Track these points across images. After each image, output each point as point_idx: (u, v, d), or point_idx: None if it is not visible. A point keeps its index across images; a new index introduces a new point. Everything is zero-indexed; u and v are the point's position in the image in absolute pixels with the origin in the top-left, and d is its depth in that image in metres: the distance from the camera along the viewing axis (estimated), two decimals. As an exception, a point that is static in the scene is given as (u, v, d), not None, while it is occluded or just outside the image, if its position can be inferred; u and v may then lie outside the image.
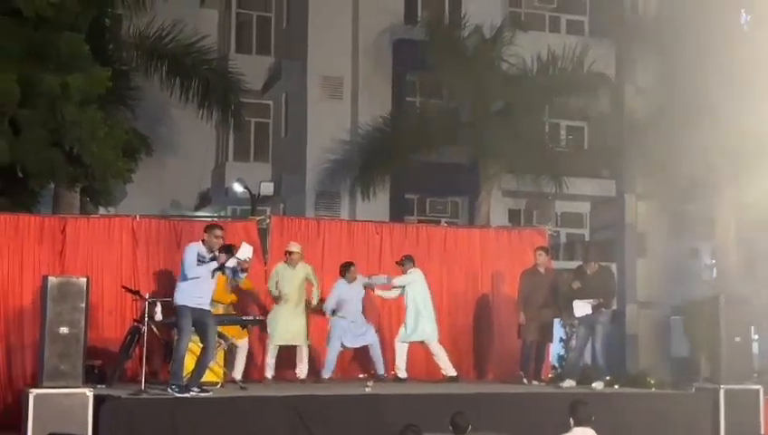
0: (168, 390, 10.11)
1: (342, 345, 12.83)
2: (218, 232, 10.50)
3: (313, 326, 12.89)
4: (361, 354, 13.31)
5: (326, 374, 12.71)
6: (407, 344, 13.18)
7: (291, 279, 12.60)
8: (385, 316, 13.94)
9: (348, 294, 12.81)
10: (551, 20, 26.25)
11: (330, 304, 12.75)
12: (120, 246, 12.64)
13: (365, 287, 13.08)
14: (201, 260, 10.28)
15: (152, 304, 10.96)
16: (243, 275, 10.87)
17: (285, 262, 12.71)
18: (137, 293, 11.46)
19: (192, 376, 10.38)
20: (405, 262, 13.26)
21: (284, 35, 25.48)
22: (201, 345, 10.52)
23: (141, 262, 12.64)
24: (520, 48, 21.53)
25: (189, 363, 10.62)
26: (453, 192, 24.14)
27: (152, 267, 12.66)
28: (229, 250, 10.46)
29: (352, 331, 12.82)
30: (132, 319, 11.77)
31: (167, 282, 12.44)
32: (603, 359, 12.63)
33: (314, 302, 12.80)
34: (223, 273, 10.61)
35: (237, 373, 11.95)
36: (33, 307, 11.39)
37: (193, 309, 10.31)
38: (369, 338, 12.98)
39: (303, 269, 12.74)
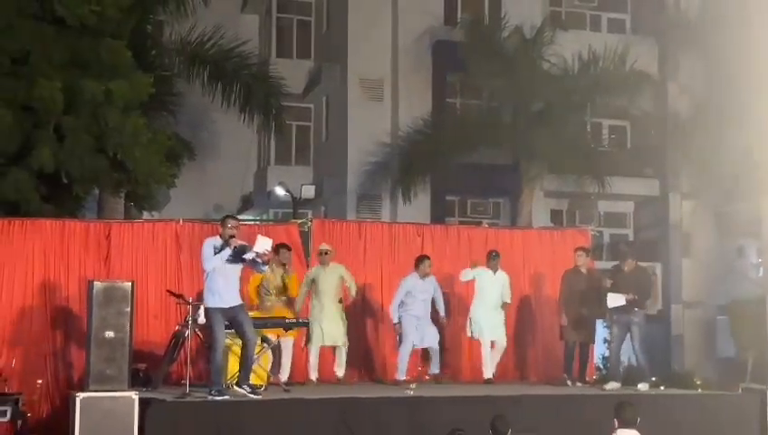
0: (208, 397, 10.02)
1: (413, 345, 12.70)
2: (231, 222, 10.40)
3: (353, 326, 12.89)
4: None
5: (400, 376, 12.57)
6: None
7: (325, 279, 12.62)
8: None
9: (418, 288, 12.71)
10: (591, 18, 26.03)
11: (395, 305, 12.70)
12: (163, 250, 12.76)
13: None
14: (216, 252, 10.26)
15: (196, 308, 11.02)
16: (265, 268, 10.78)
17: (320, 263, 12.74)
18: (180, 296, 11.53)
19: (240, 375, 10.34)
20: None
21: (324, 39, 25.57)
22: (240, 344, 10.48)
23: (185, 266, 12.73)
24: (560, 47, 21.41)
25: (234, 365, 10.67)
26: (494, 193, 24.04)
27: (196, 271, 12.66)
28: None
29: (420, 329, 12.69)
30: (176, 323, 11.86)
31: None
32: (645, 360, 12.51)
33: (352, 295, 12.82)
34: (244, 263, 10.48)
35: (284, 375, 11.99)
36: (79, 312, 11.54)
37: (223, 309, 10.23)
38: (430, 340, 12.82)
39: (336, 269, 12.76)
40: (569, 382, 12.91)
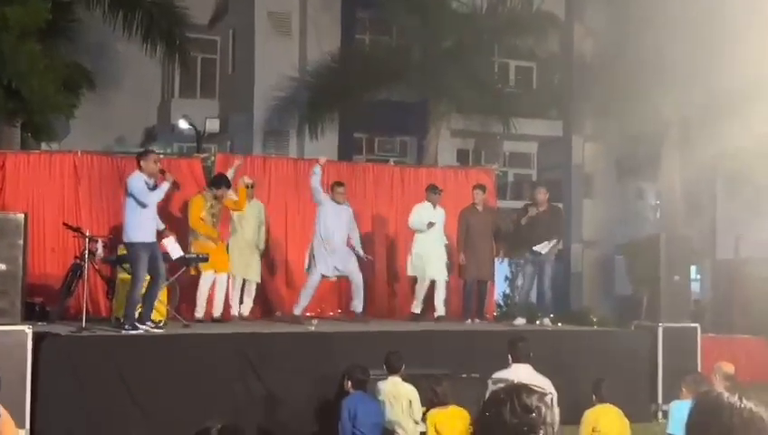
0: (122, 331, 9.87)
1: (321, 275, 12.19)
2: (155, 156, 10.33)
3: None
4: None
5: (297, 310, 12.15)
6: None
7: (249, 213, 12.39)
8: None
9: (331, 214, 12.15)
10: (500, -42, 26.00)
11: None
12: (61, 182, 12.44)
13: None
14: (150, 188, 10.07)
15: (94, 242, 10.79)
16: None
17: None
18: (78, 229, 11.26)
19: (143, 311, 10.17)
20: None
21: (231, -31, 25.02)
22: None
23: (84, 199, 12.45)
24: (470, -14, 21.38)
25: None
26: (402, 131, 24.07)
27: (94, 204, 12.50)
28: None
29: (332, 259, 12.16)
30: (74, 256, 11.61)
31: (109, 219, 12.33)
32: (551, 297, 12.81)
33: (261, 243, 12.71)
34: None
35: (217, 310, 11.82)
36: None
37: (147, 244, 10.04)
38: (345, 268, 12.27)
39: (257, 205, 12.62)
40: (468, 320, 13.07)
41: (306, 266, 12.37)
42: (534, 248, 12.64)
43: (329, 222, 12.06)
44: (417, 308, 13.06)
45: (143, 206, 9.97)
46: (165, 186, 10.13)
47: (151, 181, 10.11)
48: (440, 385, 8.03)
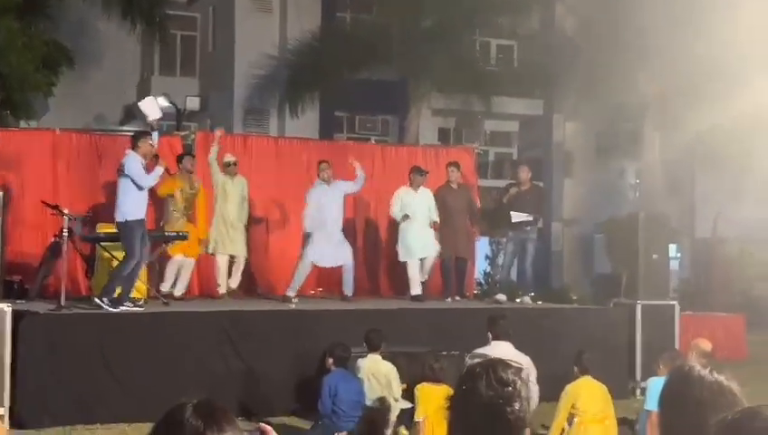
0: (104, 306, 9.85)
1: (312, 263, 12.15)
2: (151, 139, 10.33)
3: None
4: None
5: (290, 292, 11.99)
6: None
7: (232, 190, 12.38)
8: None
9: (326, 197, 12.08)
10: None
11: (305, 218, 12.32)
12: (39, 160, 12.35)
13: None
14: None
15: (72, 219, 10.75)
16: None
17: (226, 174, 12.41)
18: (56, 207, 11.17)
19: (123, 289, 10.17)
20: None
21: (211, -55, 24.83)
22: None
23: (62, 176, 12.38)
24: (450, -37, 21.29)
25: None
26: (383, 110, 24.03)
27: (73, 182, 12.43)
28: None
29: (322, 246, 12.05)
30: (53, 234, 11.54)
31: (88, 196, 12.28)
32: (531, 275, 12.87)
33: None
34: None
35: (180, 289, 11.85)
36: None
37: (141, 222, 10.09)
38: (337, 258, 12.24)
39: (241, 181, 12.58)
40: (449, 299, 13.06)
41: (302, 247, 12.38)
42: (513, 216, 12.65)
43: (320, 205, 11.99)
44: (416, 289, 12.67)
45: (139, 188, 10.02)
46: (159, 171, 10.17)
47: (144, 162, 10.10)
48: (438, 362, 8.04)
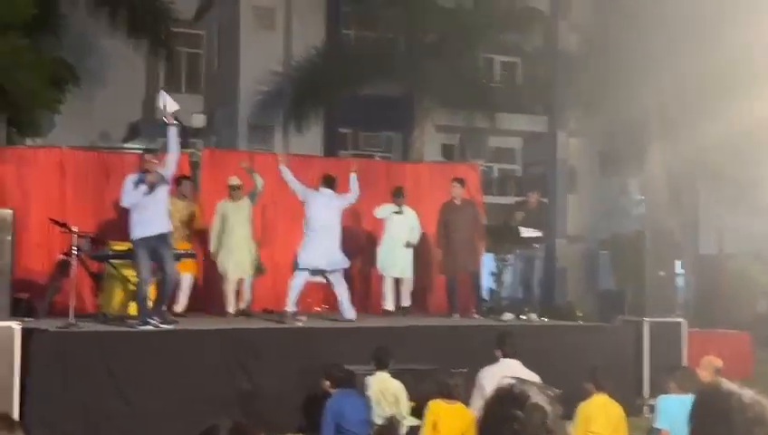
0: (138, 328, 9.90)
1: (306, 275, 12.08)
2: (147, 156, 10.32)
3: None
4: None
5: (290, 307, 11.73)
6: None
7: (236, 214, 12.38)
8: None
9: (320, 204, 11.83)
10: (486, -46, 26.03)
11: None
12: (47, 177, 12.39)
13: None
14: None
15: (80, 237, 10.76)
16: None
17: (230, 199, 12.43)
18: (64, 225, 11.21)
19: (155, 306, 10.16)
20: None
21: (216, -36, 24.95)
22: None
23: (69, 194, 12.42)
24: (455, -19, 21.41)
25: (119, 294, 10.48)
26: (387, 127, 24.09)
27: (80, 199, 12.46)
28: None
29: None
30: (60, 252, 11.57)
31: (95, 214, 12.30)
32: (538, 292, 12.91)
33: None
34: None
35: (180, 307, 11.86)
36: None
37: (146, 239, 10.00)
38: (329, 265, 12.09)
39: (246, 203, 12.57)
40: (456, 315, 13.05)
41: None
42: (522, 230, 12.73)
43: (317, 214, 11.88)
44: (389, 305, 13.19)
45: (128, 208, 10.02)
46: (141, 189, 9.96)
47: (144, 178, 10.06)
48: (453, 379, 7.89)
